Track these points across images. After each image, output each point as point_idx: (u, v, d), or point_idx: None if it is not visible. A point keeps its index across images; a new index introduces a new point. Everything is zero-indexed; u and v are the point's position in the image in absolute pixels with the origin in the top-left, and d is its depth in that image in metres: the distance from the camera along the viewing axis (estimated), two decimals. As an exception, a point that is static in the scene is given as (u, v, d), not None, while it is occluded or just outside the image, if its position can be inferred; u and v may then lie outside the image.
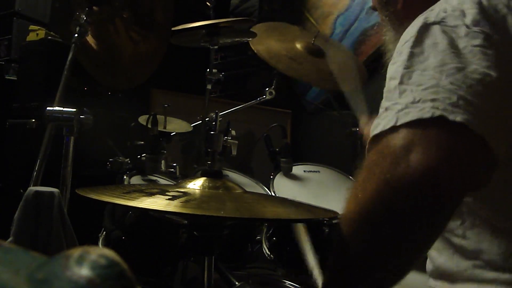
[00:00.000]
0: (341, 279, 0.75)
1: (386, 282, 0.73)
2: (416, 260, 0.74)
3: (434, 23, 0.77)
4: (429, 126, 0.68)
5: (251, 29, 1.94)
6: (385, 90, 0.78)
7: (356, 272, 0.73)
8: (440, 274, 0.89)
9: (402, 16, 0.99)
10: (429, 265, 0.93)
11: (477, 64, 0.72)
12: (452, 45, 0.74)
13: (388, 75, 0.79)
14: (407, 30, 0.81)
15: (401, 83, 0.74)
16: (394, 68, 0.77)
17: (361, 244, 0.71)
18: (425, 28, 0.77)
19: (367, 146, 0.76)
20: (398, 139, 0.68)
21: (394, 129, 0.69)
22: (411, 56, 0.75)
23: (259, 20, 2.47)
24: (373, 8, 1.08)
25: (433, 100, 0.69)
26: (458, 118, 0.67)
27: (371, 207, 0.68)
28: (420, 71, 0.73)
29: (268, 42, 2.02)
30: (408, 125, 0.68)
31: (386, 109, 0.73)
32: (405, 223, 0.67)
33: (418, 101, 0.70)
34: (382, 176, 0.67)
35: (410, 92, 0.72)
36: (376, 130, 0.72)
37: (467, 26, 0.75)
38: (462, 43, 0.74)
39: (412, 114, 0.69)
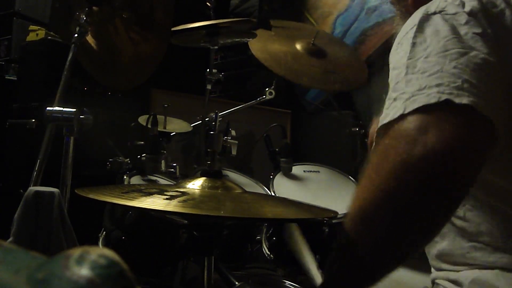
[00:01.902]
0: (355, 268, 0.74)
1: (398, 260, 0.73)
2: (430, 240, 0.76)
3: (435, 13, 0.79)
4: (438, 110, 0.69)
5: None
6: (389, 80, 0.80)
7: (372, 257, 0.72)
8: (442, 260, 0.90)
9: (412, 11, 1.01)
10: (431, 252, 0.93)
11: (478, 50, 0.74)
12: (454, 31, 0.76)
13: (391, 65, 0.81)
14: (407, 21, 0.83)
15: (406, 73, 0.75)
16: (397, 59, 0.79)
17: (380, 224, 0.70)
18: (426, 18, 0.79)
19: (375, 137, 0.76)
20: (410, 123, 0.70)
21: (403, 117, 0.70)
22: (414, 45, 0.77)
23: (259, 21, 2.46)
24: (392, 2, 1.11)
25: (438, 85, 0.70)
26: (465, 100, 0.68)
27: (387, 187, 0.68)
28: (424, 58, 0.75)
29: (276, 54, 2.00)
30: (416, 111, 0.69)
31: (394, 99, 0.74)
32: (424, 201, 0.68)
33: (424, 88, 0.71)
34: (398, 157, 0.68)
35: (416, 80, 0.73)
36: (385, 120, 0.73)
37: (467, 14, 0.77)
38: (463, 30, 0.76)
39: (419, 101, 0.70)
